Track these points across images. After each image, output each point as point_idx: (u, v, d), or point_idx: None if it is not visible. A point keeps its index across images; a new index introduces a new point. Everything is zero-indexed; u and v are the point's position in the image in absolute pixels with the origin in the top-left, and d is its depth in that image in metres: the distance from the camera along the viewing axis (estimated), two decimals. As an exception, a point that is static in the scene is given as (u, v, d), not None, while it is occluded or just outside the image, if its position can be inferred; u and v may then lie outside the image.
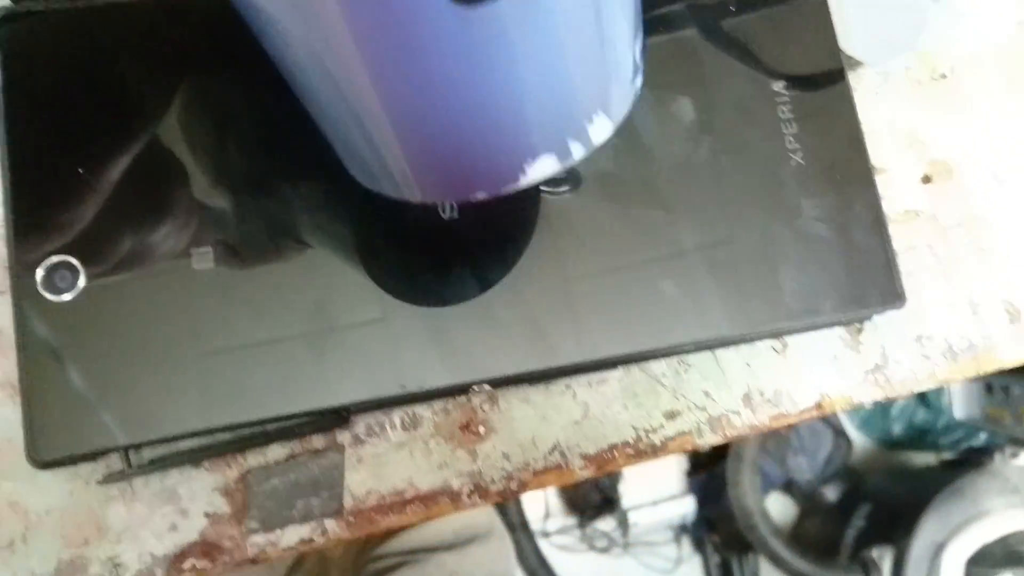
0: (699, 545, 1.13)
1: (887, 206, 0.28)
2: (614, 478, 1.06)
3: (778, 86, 0.27)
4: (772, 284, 0.25)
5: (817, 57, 0.27)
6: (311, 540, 0.24)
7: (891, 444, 1.15)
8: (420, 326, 0.23)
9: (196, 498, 0.23)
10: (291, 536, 0.23)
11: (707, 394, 0.26)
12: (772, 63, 0.27)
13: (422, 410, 0.25)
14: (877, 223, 0.26)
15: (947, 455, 1.08)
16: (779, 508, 1.16)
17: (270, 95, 0.23)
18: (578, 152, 0.19)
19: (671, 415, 0.26)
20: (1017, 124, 0.29)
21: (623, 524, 1.06)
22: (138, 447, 0.23)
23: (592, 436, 0.25)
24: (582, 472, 0.25)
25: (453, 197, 0.20)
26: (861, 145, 0.27)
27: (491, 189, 0.19)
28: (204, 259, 0.23)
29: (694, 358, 0.26)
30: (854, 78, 0.28)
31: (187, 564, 0.23)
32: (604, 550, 1.09)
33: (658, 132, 0.26)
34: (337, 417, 0.23)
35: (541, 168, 0.18)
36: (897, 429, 1.14)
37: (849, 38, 0.27)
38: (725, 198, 0.26)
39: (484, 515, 0.61)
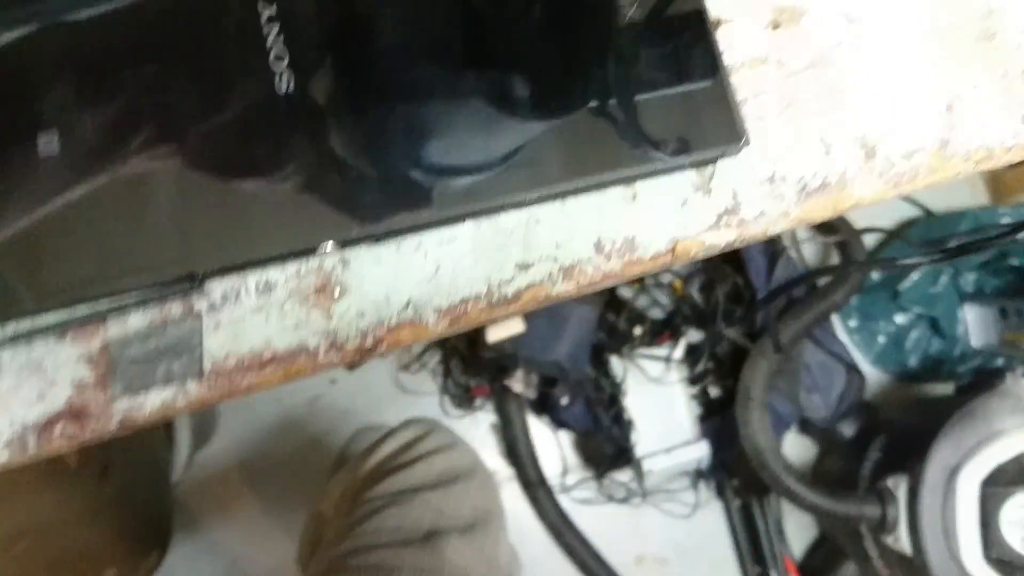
0: (720, 491, 1.13)
1: (734, 55, 0.28)
2: (625, 428, 1.06)
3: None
4: (612, 132, 0.26)
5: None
6: (174, 403, 0.25)
7: (908, 377, 1.14)
8: (265, 193, 0.24)
9: (61, 368, 0.24)
10: (154, 399, 0.25)
11: (558, 245, 0.27)
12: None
13: (276, 275, 0.26)
14: (713, 68, 0.27)
15: (963, 383, 1.06)
16: (798, 449, 1.16)
17: None
18: None
19: (523, 267, 0.26)
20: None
21: (639, 473, 1.07)
22: (2, 322, 0.24)
23: (445, 291, 0.26)
24: (436, 326, 0.26)
25: None
26: (695, -6, 0.27)
27: None
28: (50, 145, 0.24)
29: (543, 211, 0.27)
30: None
31: (56, 430, 0.24)
32: (623, 500, 1.10)
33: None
34: (189, 284, 0.25)
35: None
36: (912, 361, 1.13)
37: None
38: (565, 56, 0.26)
39: (468, 456, 0.63)
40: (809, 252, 1.13)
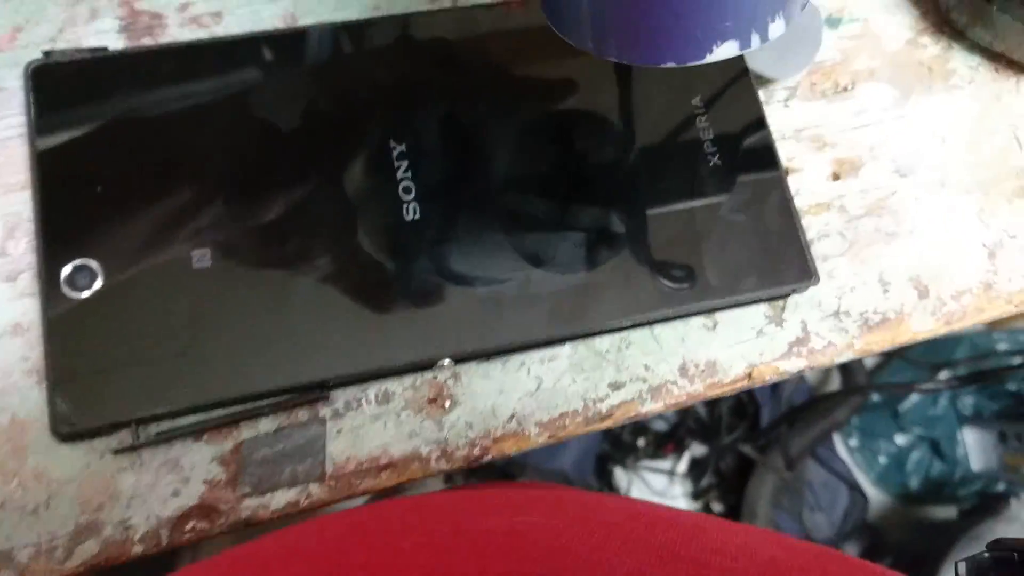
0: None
1: (802, 200, 0.32)
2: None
3: (695, 101, 0.31)
4: (699, 269, 0.29)
5: (728, 75, 0.32)
6: (297, 503, 0.27)
7: (909, 498, 1.15)
8: (390, 310, 0.27)
9: (196, 467, 0.26)
10: (280, 499, 0.27)
11: (647, 367, 0.29)
12: (690, 83, 0.31)
13: (393, 386, 0.28)
14: (787, 212, 0.30)
15: (966, 507, 1.07)
16: (801, 569, 1.15)
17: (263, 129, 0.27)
18: (756, 43, 0.22)
19: (615, 386, 0.29)
20: (911, 125, 0.33)
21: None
22: (146, 422, 0.26)
23: (545, 406, 0.28)
24: (537, 438, 0.28)
25: (640, 59, 0.22)
26: (770, 147, 0.31)
27: (678, 60, 0.22)
28: (203, 259, 0.27)
29: (634, 335, 0.30)
30: (766, 93, 0.32)
31: (188, 525, 0.26)
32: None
33: (592, 138, 0.30)
34: (318, 392, 0.27)
35: (725, 51, 0.22)
36: (914, 483, 1.14)
37: (756, 59, 0.32)
38: (656, 198, 0.30)
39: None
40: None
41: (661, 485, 1.12)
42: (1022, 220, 0.33)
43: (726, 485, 1.09)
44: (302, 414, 0.27)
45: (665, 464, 1.12)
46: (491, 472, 1.01)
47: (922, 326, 0.31)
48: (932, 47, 0.35)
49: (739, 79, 0.32)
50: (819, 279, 0.30)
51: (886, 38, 0.35)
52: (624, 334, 0.30)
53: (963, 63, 0.35)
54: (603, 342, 0.29)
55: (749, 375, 0.30)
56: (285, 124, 0.29)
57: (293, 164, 0.28)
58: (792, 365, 0.30)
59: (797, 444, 0.99)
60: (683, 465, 1.12)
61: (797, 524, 1.05)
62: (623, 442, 1.09)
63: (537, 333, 0.28)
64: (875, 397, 1.15)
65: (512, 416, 0.28)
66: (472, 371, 0.29)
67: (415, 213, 0.28)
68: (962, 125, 0.34)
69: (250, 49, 0.29)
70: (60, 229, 0.27)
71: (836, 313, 0.31)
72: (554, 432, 0.28)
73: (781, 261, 0.30)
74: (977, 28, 0.34)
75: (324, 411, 0.28)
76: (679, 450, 1.11)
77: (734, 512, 1.02)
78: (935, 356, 1.11)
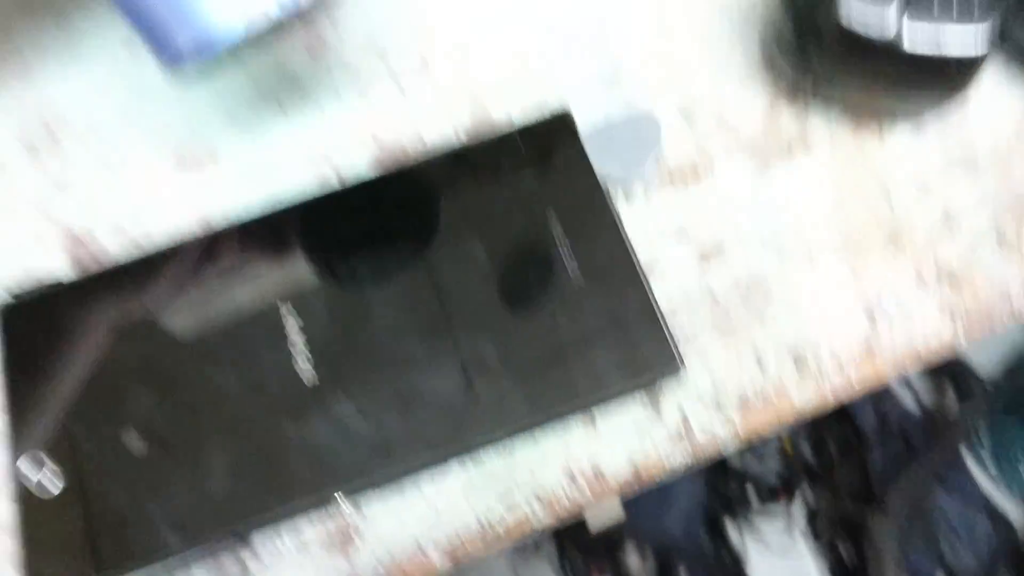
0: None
1: (668, 289, 0.33)
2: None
3: (551, 214, 0.34)
4: (564, 372, 0.31)
5: (579, 184, 0.34)
6: (230, 648, 0.30)
7: (1058, 517, 1.06)
8: (286, 456, 0.31)
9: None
10: (212, 645, 0.30)
11: (533, 475, 0.31)
12: (544, 198, 0.34)
13: (303, 525, 0.31)
14: (647, 305, 0.32)
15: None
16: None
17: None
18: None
19: (507, 503, 0.31)
20: (773, 198, 0.34)
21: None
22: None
23: (444, 532, 0.31)
24: (442, 565, 0.31)
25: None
26: (624, 246, 0.33)
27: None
28: (141, 448, 0.32)
29: (519, 445, 0.32)
30: (624, 191, 0.34)
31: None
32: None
33: (456, 272, 0.33)
34: (234, 540, 0.31)
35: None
36: (1060, 499, 1.05)
37: (603, 162, 0.34)
38: (518, 312, 0.32)
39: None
40: (922, 387, 1.09)
41: (778, 534, 1.09)
42: (900, 274, 0.33)
43: (848, 527, 1.05)
44: (228, 563, 0.31)
45: (779, 510, 1.09)
46: (598, 540, 1.02)
47: (804, 399, 0.31)
48: (788, 112, 0.36)
49: (589, 186, 0.34)
50: (684, 364, 0.31)
51: (741, 113, 0.36)
52: (508, 446, 0.32)
53: (822, 119, 0.35)
54: (490, 458, 0.32)
55: (636, 474, 0.31)
56: (201, 324, 0.33)
57: (204, 357, 0.33)
58: (678, 460, 0.31)
59: (916, 475, 0.94)
60: (797, 509, 1.08)
61: (937, 563, 0.99)
62: (731, 492, 1.07)
63: (422, 458, 0.31)
64: (1001, 403, 1.07)
65: (416, 544, 0.31)
66: (373, 503, 0.31)
67: (309, 371, 0.32)
68: (825, 187, 0.34)
69: (165, 260, 0.34)
70: (26, 442, 0.32)
71: (715, 399, 0.32)
72: (456, 558, 0.31)
73: (645, 353, 0.31)
74: (823, 87, 0.34)
75: (245, 555, 0.31)
76: (790, 494, 1.08)
77: (863, 554, 0.98)
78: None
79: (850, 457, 1.02)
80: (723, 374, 0.32)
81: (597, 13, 0.38)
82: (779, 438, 1.06)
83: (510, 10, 0.38)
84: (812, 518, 1.07)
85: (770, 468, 1.07)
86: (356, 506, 0.31)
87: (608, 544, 1.01)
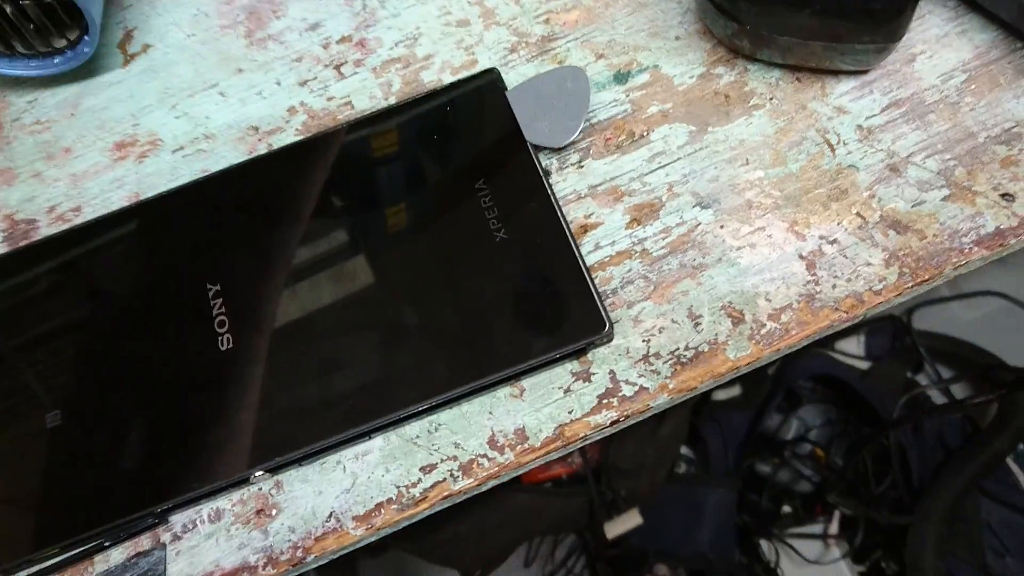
0: None
1: (601, 252, 0.32)
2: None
3: (479, 184, 0.32)
4: (489, 339, 0.30)
5: (506, 144, 0.33)
6: (144, 624, 0.29)
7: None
8: (207, 433, 0.30)
9: (58, 603, 0.30)
10: (129, 623, 0.29)
11: (456, 444, 0.30)
12: (470, 158, 0.33)
13: (223, 503, 0.30)
14: (575, 268, 0.30)
15: None
16: (1001, 625, 1.02)
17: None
18: None
19: (426, 469, 0.30)
20: (710, 155, 0.33)
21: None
22: (11, 572, 0.30)
23: (361, 500, 0.30)
24: (355, 532, 0.29)
25: None
26: (551, 207, 0.31)
27: None
28: (55, 419, 0.31)
29: (443, 416, 0.30)
30: (559, 160, 0.33)
31: (53, 657, 0.29)
32: None
33: (379, 237, 0.32)
34: (151, 520, 0.30)
35: None
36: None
37: (533, 132, 0.33)
38: (445, 280, 0.31)
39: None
40: (959, 392, 1.05)
41: (815, 551, 1.04)
42: (840, 224, 0.31)
43: (888, 540, 1.00)
44: (145, 541, 0.30)
45: (816, 528, 1.04)
46: (628, 558, 0.99)
47: (739, 353, 0.30)
48: (728, 75, 0.34)
49: (518, 154, 0.33)
50: (612, 327, 0.29)
51: (677, 78, 0.34)
52: (432, 417, 0.30)
53: (762, 81, 0.34)
54: (412, 428, 0.30)
55: (561, 435, 0.30)
56: (123, 289, 0.33)
57: (130, 323, 0.32)
58: (603, 418, 0.29)
59: (956, 483, 0.89)
60: (835, 526, 1.04)
61: (980, 573, 0.94)
62: (763, 510, 1.03)
63: (341, 430, 0.30)
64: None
65: (331, 515, 0.30)
66: (292, 477, 0.30)
67: (228, 343, 0.31)
68: (766, 142, 0.33)
69: (95, 230, 0.34)
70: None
71: (645, 357, 0.30)
72: (370, 524, 0.29)
73: (573, 317, 0.30)
74: (763, 51, 0.33)
75: (164, 536, 0.30)
76: (827, 510, 1.03)
77: (901, 562, 0.93)
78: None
79: (886, 466, 0.97)
80: (656, 334, 0.30)
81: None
82: (813, 449, 1.02)
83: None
84: (848, 529, 1.03)
85: (804, 480, 1.03)
86: (277, 482, 0.30)
87: (638, 561, 0.98)
